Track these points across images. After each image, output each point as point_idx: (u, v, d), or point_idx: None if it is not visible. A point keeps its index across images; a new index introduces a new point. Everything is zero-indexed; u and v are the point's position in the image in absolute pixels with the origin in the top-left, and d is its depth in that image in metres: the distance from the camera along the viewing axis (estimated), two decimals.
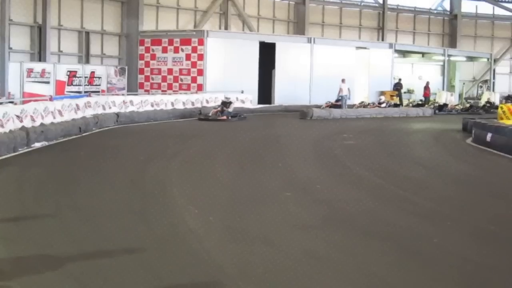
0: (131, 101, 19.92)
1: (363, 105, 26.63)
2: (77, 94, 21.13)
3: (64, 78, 22.46)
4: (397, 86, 31.34)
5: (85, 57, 24.95)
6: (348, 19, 35.11)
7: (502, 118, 18.64)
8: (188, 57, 25.40)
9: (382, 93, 29.79)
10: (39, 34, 22.77)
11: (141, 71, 26.32)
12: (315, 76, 28.35)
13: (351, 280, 5.04)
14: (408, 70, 36.15)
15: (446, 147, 15.62)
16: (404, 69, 35.24)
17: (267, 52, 26.64)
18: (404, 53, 34.81)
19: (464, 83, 37.04)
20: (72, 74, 22.88)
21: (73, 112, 16.02)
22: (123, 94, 22.64)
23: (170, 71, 25.85)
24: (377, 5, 36.04)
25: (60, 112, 15.21)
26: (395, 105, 27.88)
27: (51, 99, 16.72)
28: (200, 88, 24.92)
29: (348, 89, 25.78)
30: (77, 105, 16.49)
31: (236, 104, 24.76)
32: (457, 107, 30.19)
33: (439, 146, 15.65)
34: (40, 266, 5.12)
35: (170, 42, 25.78)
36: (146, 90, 25.80)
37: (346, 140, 15.90)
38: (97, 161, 11.26)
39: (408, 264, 5.54)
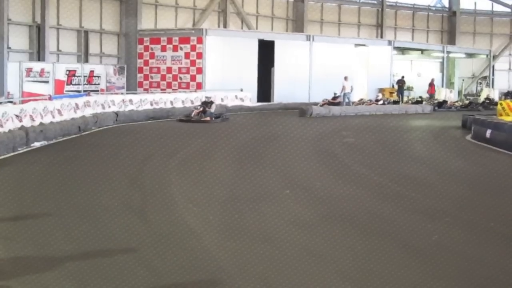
0: (130, 100, 19.92)
1: (361, 102, 26.62)
2: (76, 93, 21.13)
3: (63, 77, 22.47)
4: (400, 83, 31.31)
5: (84, 56, 24.92)
6: (347, 16, 35.10)
7: (501, 115, 18.67)
8: (187, 55, 25.37)
9: (381, 90, 29.75)
10: (38, 33, 22.73)
11: (140, 70, 26.30)
12: (314, 74, 28.32)
13: (351, 278, 5.04)
14: (407, 67, 36.07)
15: (446, 144, 15.60)
16: (403, 66, 35.18)
17: (266, 50, 26.62)
18: (403, 50, 34.76)
19: (463, 80, 37.01)
20: (71, 73, 22.89)
21: (72, 112, 16.02)
22: (122, 93, 22.60)
23: (169, 70, 25.82)
24: (375, 2, 36.02)
25: (59, 112, 15.22)
26: (395, 102, 27.87)
27: (50, 98, 16.70)
28: (199, 86, 24.90)
29: (351, 86, 25.81)
30: (76, 104, 16.50)
31: (236, 102, 24.84)
32: (456, 103, 30.19)
33: (439, 143, 15.64)
34: (40, 265, 5.13)
35: (169, 41, 25.75)
36: (145, 89, 25.77)
37: (345, 137, 15.90)
38: (96, 160, 11.26)
39: (407, 261, 5.55)
